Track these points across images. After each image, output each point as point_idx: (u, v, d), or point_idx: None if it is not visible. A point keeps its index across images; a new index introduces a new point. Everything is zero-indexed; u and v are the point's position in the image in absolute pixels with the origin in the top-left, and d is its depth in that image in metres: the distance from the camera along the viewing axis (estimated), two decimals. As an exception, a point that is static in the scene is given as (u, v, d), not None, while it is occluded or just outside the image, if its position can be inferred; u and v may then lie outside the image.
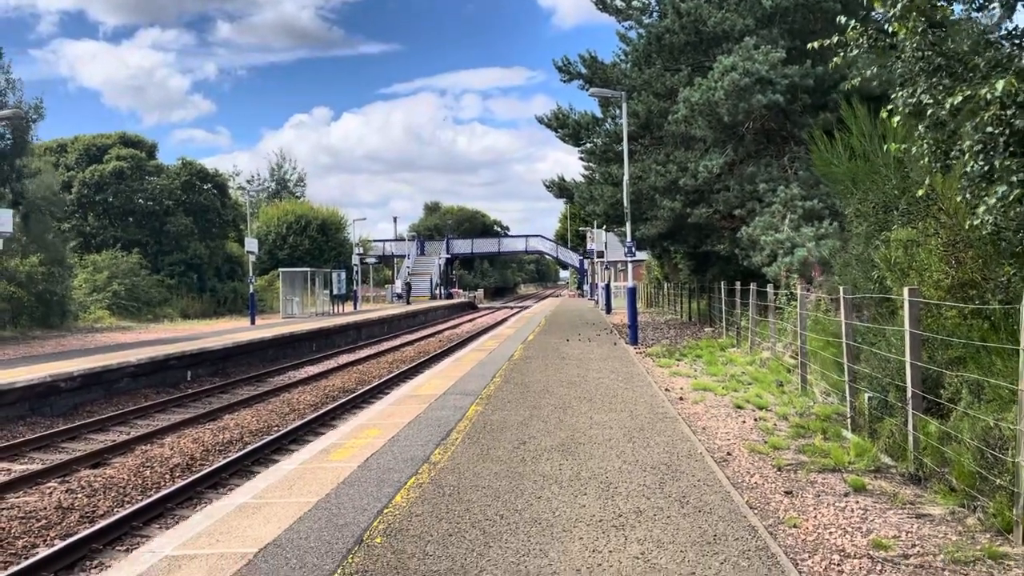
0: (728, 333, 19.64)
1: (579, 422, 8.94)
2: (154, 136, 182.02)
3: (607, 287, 23.05)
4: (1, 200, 24.74)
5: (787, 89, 17.36)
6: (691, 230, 22.00)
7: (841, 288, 8.99)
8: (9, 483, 10.05)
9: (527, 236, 74.42)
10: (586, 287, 64.12)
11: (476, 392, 11.28)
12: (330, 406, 15.43)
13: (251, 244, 33.41)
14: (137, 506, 8.95)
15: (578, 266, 72.02)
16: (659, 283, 38.67)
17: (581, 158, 25.88)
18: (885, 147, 7.09)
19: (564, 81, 22.60)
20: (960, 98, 5.41)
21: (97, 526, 8.23)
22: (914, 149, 6.55)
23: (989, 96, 5.13)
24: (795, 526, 5.44)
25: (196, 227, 42.62)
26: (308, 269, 40.41)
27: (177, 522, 8.14)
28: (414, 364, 22.14)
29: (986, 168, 5.41)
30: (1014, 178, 5.19)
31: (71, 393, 15.91)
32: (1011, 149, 5.30)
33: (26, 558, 7.49)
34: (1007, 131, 5.33)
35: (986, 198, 5.41)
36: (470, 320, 46.42)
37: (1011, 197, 5.37)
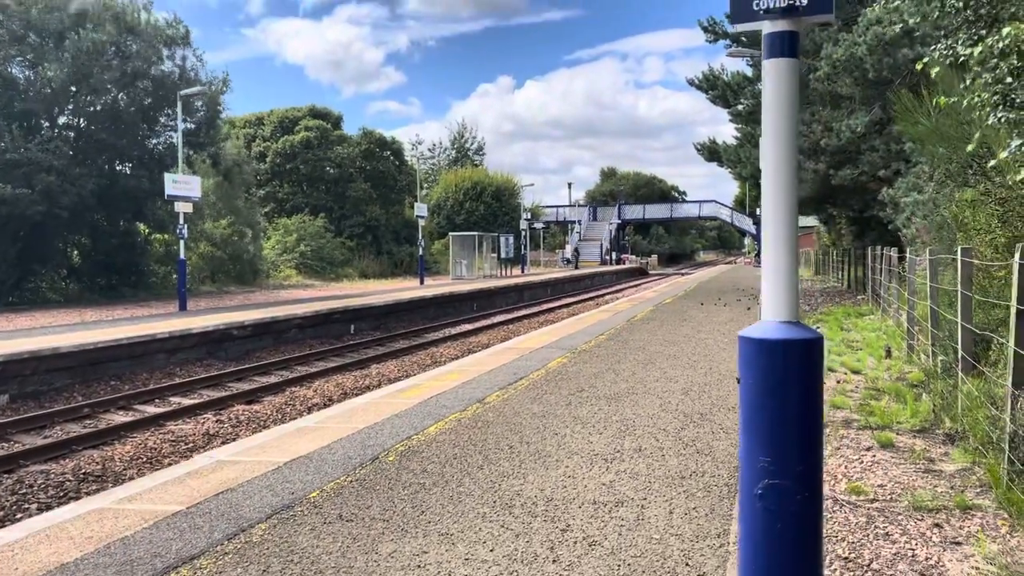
0: (873, 300, 18.84)
1: (650, 376, 9.31)
2: (351, 108, 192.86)
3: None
4: (201, 163, 27.88)
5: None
6: (838, 193, 21.10)
7: (928, 250, 8.72)
8: (173, 412, 11.80)
9: (701, 202, 72.88)
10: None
11: (572, 347, 11.84)
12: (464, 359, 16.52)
13: (420, 209, 35.37)
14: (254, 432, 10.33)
15: (755, 233, 69.69)
16: (827, 249, 37.00)
17: (731, 120, 25.35)
18: (935, 101, 6.86)
19: (709, 42, 22.24)
20: (980, 48, 5.26)
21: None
22: (965, 102, 6.34)
23: (1001, 44, 4.98)
24: (785, 472, 5.65)
25: (375, 192, 45.59)
26: (477, 233, 42.13)
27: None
28: (558, 324, 22.91)
29: (1004, 120, 5.23)
30: (1030, 130, 5.02)
31: (243, 340, 17.94)
32: (1031, 100, 5.10)
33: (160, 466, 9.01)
34: (1030, 81, 5.14)
35: (1001, 152, 5.25)
36: (635, 286, 46.49)
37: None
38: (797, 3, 2.45)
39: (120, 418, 11.48)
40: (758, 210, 20.82)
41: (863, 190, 20.25)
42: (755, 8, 2.50)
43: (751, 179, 23.22)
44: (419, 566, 3.85)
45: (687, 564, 3.88)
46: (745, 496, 2.53)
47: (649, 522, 4.44)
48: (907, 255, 11.39)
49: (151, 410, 12.07)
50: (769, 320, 2.55)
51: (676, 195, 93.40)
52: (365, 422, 6.94)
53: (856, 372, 10.30)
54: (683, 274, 58.48)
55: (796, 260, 2.53)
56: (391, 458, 5.75)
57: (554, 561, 3.91)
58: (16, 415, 11.33)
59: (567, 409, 7.41)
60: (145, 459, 9.51)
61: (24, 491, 8.18)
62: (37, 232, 23.92)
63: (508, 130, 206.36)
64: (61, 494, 8.20)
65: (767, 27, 2.51)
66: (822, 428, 2.58)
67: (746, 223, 71.46)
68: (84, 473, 8.82)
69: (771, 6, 2.48)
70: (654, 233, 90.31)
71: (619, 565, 3.86)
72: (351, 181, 45.11)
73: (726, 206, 74.34)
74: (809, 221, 45.40)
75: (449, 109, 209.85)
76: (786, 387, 2.44)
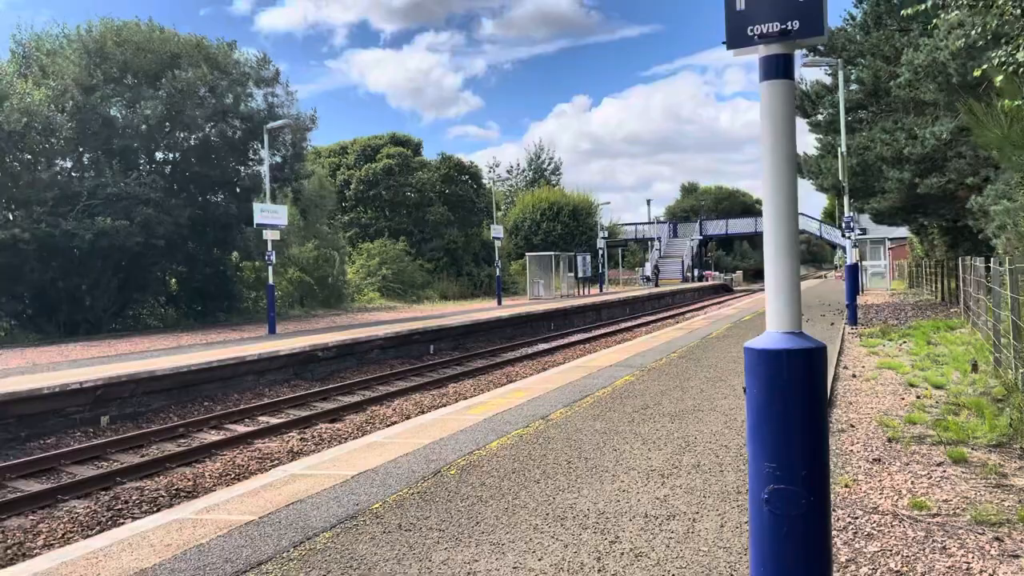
0: (965, 313, 18.13)
1: (718, 393, 9.26)
2: (431, 133, 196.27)
3: (852, 267, 21.43)
4: (284, 198, 29.07)
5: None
6: (927, 203, 20.42)
7: (1007, 259, 8.45)
8: (260, 431, 12.32)
9: (787, 215, 71.08)
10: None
11: (641, 365, 11.85)
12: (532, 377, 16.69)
13: (497, 231, 35.82)
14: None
15: (844, 245, 67.45)
16: (920, 261, 35.67)
17: (811, 130, 24.85)
18: (1000, 106, 6.68)
19: (785, 53, 21.85)
20: (1038, 54, 5.15)
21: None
22: (1031, 107, 6.18)
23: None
24: (846, 486, 5.59)
25: (453, 216, 46.43)
26: (553, 253, 42.33)
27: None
28: (631, 342, 22.83)
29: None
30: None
31: (327, 361, 18.54)
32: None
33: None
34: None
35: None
36: (717, 303, 45.76)
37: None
38: (790, 27, 2.56)
39: (211, 437, 12.03)
40: (845, 220, 20.34)
41: (952, 198, 19.57)
42: (750, 34, 2.62)
43: (832, 189, 22.71)
44: (469, 573, 4.02)
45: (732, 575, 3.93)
46: (753, 500, 2.61)
47: (699, 535, 4.49)
48: (991, 265, 11.00)
49: (240, 429, 12.60)
50: (772, 331, 2.64)
51: (760, 209, 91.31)
52: (431, 438, 7.17)
53: (938, 387, 10.00)
54: (768, 289, 56.97)
55: (797, 273, 2.62)
56: (452, 472, 5.96)
57: (599, 571, 4.01)
58: (115, 435, 12.03)
59: (629, 426, 7.48)
60: (233, 475, 9.97)
61: (119, 507, 8.70)
62: (136, 262, 25.33)
63: (585, 149, 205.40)
64: (154, 509, 8.68)
65: (762, 51, 2.63)
66: (826, 434, 2.64)
67: (835, 235, 69.42)
68: (176, 489, 9.31)
69: (765, 32, 2.60)
70: (738, 249, 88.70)
71: (663, 575, 3.94)
72: (430, 205, 46.10)
73: (814, 219, 72.50)
74: (901, 232, 43.88)
75: (526, 131, 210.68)
76: (788, 395, 2.53)
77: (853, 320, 18.69)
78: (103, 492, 9.28)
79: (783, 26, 2.56)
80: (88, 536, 7.71)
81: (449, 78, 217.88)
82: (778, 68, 2.60)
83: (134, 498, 9.01)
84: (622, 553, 4.24)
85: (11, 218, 22.70)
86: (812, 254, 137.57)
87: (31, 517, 8.36)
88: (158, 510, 8.63)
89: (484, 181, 51.88)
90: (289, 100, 28.04)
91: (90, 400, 12.77)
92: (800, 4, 2.55)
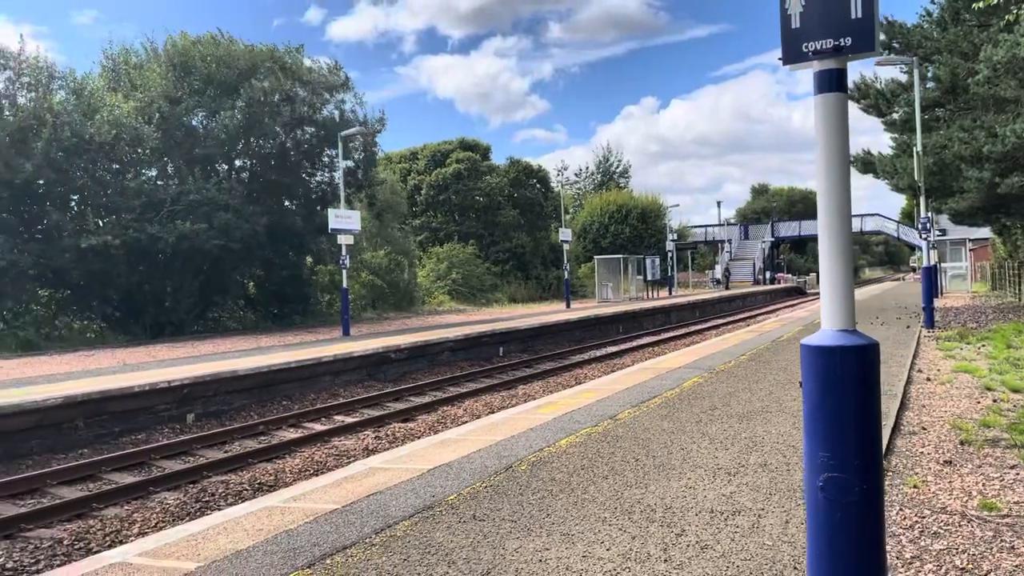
0: (1050, 315, 17.54)
1: (787, 395, 9.27)
2: (498, 137, 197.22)
3: (929, 269, 20.55)
4: (358, 203, 29.85)
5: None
6: (1010, 202, 19.80)
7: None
8: (336, 430, 12.77)
9: (863, 215, 69.28)
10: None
11: (710, 367, 11.88)
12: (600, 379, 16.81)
13: (565, 234, 35.99)
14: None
15: (923, 246, 65.25)
16: (1002, 263, 34.44)
17: (886, 129, 24.28)
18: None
19: (858, 51, 21.46)
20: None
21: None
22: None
23: None
24: (915, 487, 5.61)
25: (522, 219, 46.80)
26: (621, 256, 42.30)
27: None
28: (699, 345, 22.71)
29: None
30: None
31: (400, 363, 19.00)
32: None
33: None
34: None
35: None
36: (789, 306, 44.96)
37: None
38: (842, 43, 2.71)
39: (291, 434, 12.52)
40: (922, 221, 19.88)
41: (1033, 198, 18.96)
42: (805, 50, 2.78)
43: (908, 190, 22.22)
44: (540, 560, 4.24)
45: (795, 568, 4.05)
46: (809, 488, 2.76)
47: (764, 530, 4.61)
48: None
49: (318, 427, 13.06)
50: (827, 328, 2.79)
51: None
52: (502, 435, 7.42)
53: (1016, 391, 9.80)
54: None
55: (851, 273, 2.77)
56: (523, 467, 6.19)
57: (665, 561, 4.18)
58: (200, 432, 12.63)
59: (696, 426, 7.59)
60: (312, 471, 10.39)
61: (207, 499, 9.19)
62: (216, 266, 26.36)
63: (654, 151, 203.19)
64: (239, 501, 9.13)
65: (816, 66, 2.79)
66: (879, 426, 2.77)
67: (913, 236, 67.38)
68: (259, 483, 9.77)
69: (819, 48, 2.75)
70: (811, 250, 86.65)
71: (727, 567, 4.08)
72: (499, 209, 46.60)
73: (891, 219, 70.46)
74: (983, 233, 42.44)
75: (594, 133, 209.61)
76: (842, 389, 2.68)
77: (930, 323, 18.26)
78: (191, 485, 9.79)
79: (836, 42, 2.72)
80: (178, 524, 8.19)
81: (516, 82, 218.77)
82: (831, 82, 2.76)
83: (220, 491, 9.49)
84: (688, 545, 4.40)
85: (100, 224, 23.91)
86: (889, 255, 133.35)
87: (126, 507, 8.89)
88: (243, 502, 9.09)
89: (552, 184, 52.14)
90: (359, 105, 28.81)
91: (177, 398, 13.42)
92: (852, 21, 2.71)
